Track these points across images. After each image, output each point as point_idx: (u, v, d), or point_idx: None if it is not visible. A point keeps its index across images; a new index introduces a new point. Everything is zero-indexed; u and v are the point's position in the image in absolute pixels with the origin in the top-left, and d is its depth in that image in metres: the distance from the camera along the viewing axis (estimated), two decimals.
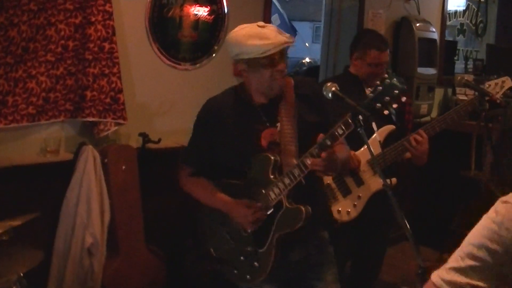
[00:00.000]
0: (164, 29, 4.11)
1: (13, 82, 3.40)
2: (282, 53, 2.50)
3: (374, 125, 2.33)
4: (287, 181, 2.49)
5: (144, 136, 3.96)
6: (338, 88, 2.42)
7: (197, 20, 4.27)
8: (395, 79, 2.30)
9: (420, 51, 5.82)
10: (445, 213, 5.29)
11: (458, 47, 7.24)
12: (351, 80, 3.50)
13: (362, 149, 3.30)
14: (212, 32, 4.38)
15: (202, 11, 4.28)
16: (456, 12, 7.15)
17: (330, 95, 2.42)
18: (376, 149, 3.17)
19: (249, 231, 2.63)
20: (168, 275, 4.04)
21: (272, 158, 2.53)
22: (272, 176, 2.53)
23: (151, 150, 3.99)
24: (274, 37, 2.44)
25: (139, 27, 4.00)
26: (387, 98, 2.29)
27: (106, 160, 3.72)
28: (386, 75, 2.31)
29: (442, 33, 6.56)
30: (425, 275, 2.21)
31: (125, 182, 3.79)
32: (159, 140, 3.98)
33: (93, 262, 3.62)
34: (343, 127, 2.34)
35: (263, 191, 2.56)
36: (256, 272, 2.63)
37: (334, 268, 2.75)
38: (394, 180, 3.25)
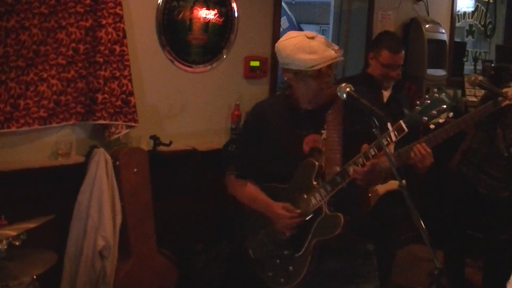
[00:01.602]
0: (174, 32, 4.11)
1: (25, 85, 3.40)
2: (330, 66, 2.51)
3: (389, 125, 2.30)
4: (328, 188, 2.49)
5: (155, 138, 3.96)
6: (353, 89, 2.41)
7: (207, 22, 4.27)
8: (444, 94, 2.28)
9: (429, 52, 5.82)
10: (453, 214, 5.25)
11: (467, 48, 7.22)
12: (367, 81, 3.50)
13: None
14: (222, 35, 4.38)
15: (211, 14, 4.28)
16: (465, 13, 7.14)
17: (344, 96, 2.40)
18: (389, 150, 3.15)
19: (286, 234, 2.64)
20: (179, 278, 4.03)
21: (316, 164, 2.54)
22: (315, 182, 2.54)
23: (162, 153, 3.98)
24: (322, 52, 2.46)
25: (149, 29, 4.01)
26: (434, 112, 2.28)
27: (117, 163, 3.71)
28: (435, 89, 2.29)
29: (451, 34, 6.55)
30: (441, 276, 2.19)
31: (136, 184, 3.79)
32: (170, 143, 3.98)
33: (105, 264, 3.61)
34: (388, 138, 2.33)
35: (305, 196, 2.57)
36: (290, 276, 2.63)
37: (376, 281, 2.74)
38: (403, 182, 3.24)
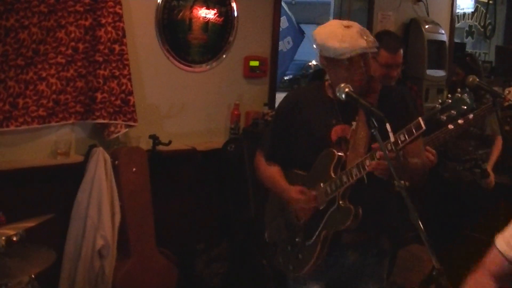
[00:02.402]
0: (174, 31, 4.11)
1: (24, 84, 3.40)
2: (362, 56, 2.50)
3: (388, 126, 2.28)
4: (344, 179, 2.48)
5: (155, 138, 3.96)
6: (352, 89, 2.40)
7: (207, 22, 4.26)
8: (466, 94, 2.26)
9: (429, 53, 5.83)
10: (455, 216, 5.25)
11: (466, 49, 7.22)
12: None
13: None
14: (221, 34, 4.38)
15: (211, 13, 4.28)
16: (464, 14, 7.15)
17: (343, 96, 2.40)
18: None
19: (301, 220, 2.64)
20: (180, 278, 4.02)
21: (336, 154, 2.53)
22: (332, 172, 2.54)
23: (161, 152, 3.98)
24: (353, 41, 2.44)
25: (149, 29, 4.01)
26: (453, 112, 2.25)
27: (116, 162, 3.72)
28: (458, 89, 2.27)
29: (451, 35, 6.55)
30: (440, 277, 2.17)
31: (135, 184, 3.79)
32: (170, 142, 3.98)
33: (104, 264, 3.61)
34: (406, 134, 2.29)
35: (321, 185, 2.57)
36: (298, 264, 2.64)
37: (381, 282, 2.75)
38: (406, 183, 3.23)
